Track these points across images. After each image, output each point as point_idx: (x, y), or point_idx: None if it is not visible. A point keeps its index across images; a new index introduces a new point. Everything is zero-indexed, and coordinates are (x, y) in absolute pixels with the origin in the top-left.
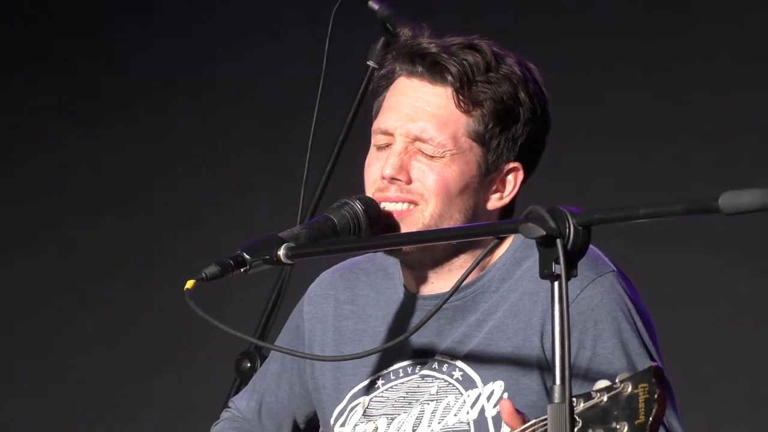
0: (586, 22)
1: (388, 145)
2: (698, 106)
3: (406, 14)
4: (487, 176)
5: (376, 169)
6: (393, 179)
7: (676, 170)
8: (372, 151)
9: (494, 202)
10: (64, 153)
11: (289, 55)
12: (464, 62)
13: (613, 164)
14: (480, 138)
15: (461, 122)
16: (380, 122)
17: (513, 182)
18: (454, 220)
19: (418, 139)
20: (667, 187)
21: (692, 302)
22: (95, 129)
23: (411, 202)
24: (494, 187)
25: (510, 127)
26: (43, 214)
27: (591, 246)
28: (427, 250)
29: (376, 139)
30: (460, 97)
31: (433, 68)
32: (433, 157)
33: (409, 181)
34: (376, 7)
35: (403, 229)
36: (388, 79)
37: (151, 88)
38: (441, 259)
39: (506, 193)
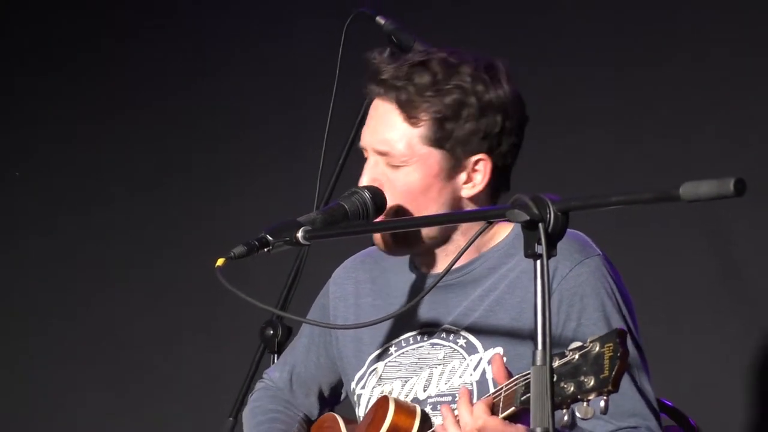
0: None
1: (367, 159)
2: (665, 107)
3: (407, 28)
4: (453, 171)
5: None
6: None
7: (644, 164)
8: None
9: (468, 190)
10: (92, 140)
11: (305, 59)
12: (408, 84)
13: (589, 158)
14: (434, 143)
15: (413, 133)
16: (362, 140)
17: (482, 171)
18: (431, 212)
19: (381, 153)
20: (636, 179)
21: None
22: (122, 116)
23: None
24: (465, 179)
25: (461, 128)
26: (76, 199)
27: (581, 233)
28: (402, 244)
29: (364, 154)
30: (404, 113)
31: (387, 90)
32: (397, 166)
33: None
34: (382, 22)
35: (393, 245)
36: (369, 98)
37: (173, 79)
38: (441, 241)
39: (478, 181)
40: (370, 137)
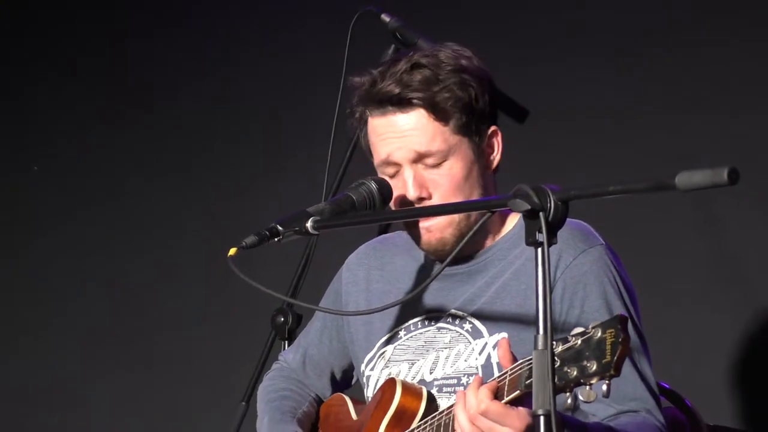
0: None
1: (396, 173)
2: (660, 98)
3: (411, 26)
4: (480, 149)
5: (401, 195)
6: (420, 199)
7: (641, 155)
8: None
9: (492, 164)
10: (111, 128)
11: (314, 56)
12: (420, 85)
13: (588, 149)
14: (462, 130)
15: (443, 128)
16: (382, 157)
17: (497, 142)
18: (476, 195)
19: (421, 155)
20: (633, 169)
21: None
22: (138, 111)
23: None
24: (487, 155)
25: (475, 107)
26: (94, 186)
27: (585, 223)
28: (458, 235)
29: (384, 170)
30: (433, 113)
31: (401, 103)
32: (439, 165)
33: (430, 196)
34: (387, 19)
35: (441, 236)
36: (362, 121)
37: (185, 75)
38: (464, 223)
39: (496, 151)
40: (401, 152)
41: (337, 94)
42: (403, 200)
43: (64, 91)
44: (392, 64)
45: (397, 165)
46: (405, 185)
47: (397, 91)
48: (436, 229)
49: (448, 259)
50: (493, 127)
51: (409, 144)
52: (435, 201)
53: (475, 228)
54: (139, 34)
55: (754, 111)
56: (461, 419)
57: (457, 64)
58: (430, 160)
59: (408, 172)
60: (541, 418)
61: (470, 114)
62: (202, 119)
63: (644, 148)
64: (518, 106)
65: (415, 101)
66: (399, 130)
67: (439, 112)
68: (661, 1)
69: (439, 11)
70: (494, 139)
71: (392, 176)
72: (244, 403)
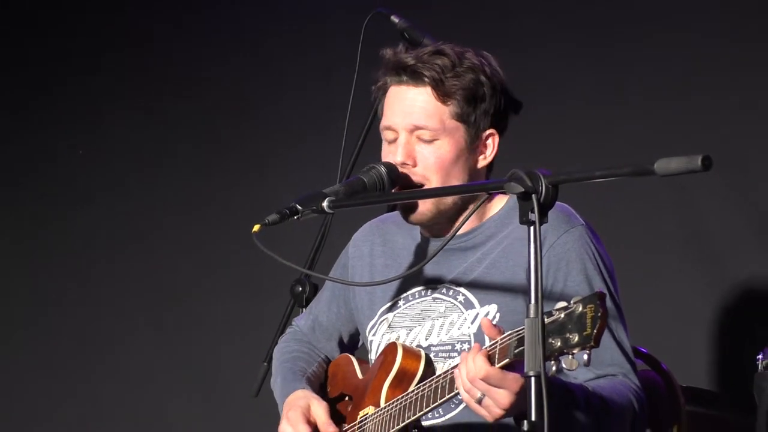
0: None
1: (395, 139)
2: (639, 90)
3: (418, 26)
4: (473, 144)
5: (390, 159)
6: (403, 164)
7: (622, 143)
8: (384, 146)
9: (481, 162)
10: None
11: (330, 53)
12: (435, 66)
13: (576, 136)
14: (461, 118)
15: (444, 110)
16: (385, 121)
17: (492, 144)
18: (459, 182)
19: (417, 128)
20: (616, 155)
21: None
22: (161, 93)
23: (419, 184)
24: (479, 151)
25: (480, 104)
26: (116, 167)
27: (566, 206)
28: (439, 215)
29: (385, 135)
30: (438, 92)
31: (413, 75)
32: (431, 141)
33: (415, 165)
34: (396, 20)
35: (420, 205)
36: (383, 89)
37: (207, 64)
38: (451, 215)
39: (488, 153)
40: (401, 118)
41: (351, 87)
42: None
43: (88, 71)
44: (423, 47)
45: (396, 132)
46: (395, 150)
47: (412, 62)
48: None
49: (447, 240)
50: (492, 130)
51: (409, 116)
52: (418, 172)
53: (474, 209)
54: (162, 19)
55: (727, 103)
56: (464, 381)
57: (478, 66)
58: (424, 134)
59: (401, 140)
60: (533, 379)
61: (472, 106)
62: (232, 107)
63: (626, 136)
64: (513, 98)
65: (425, 77)
66: (406, 103)
67: (442, 93)
68: None
69: (438, 9)
70: (490, 140)
71: (391, 141)
72: (265, 363)
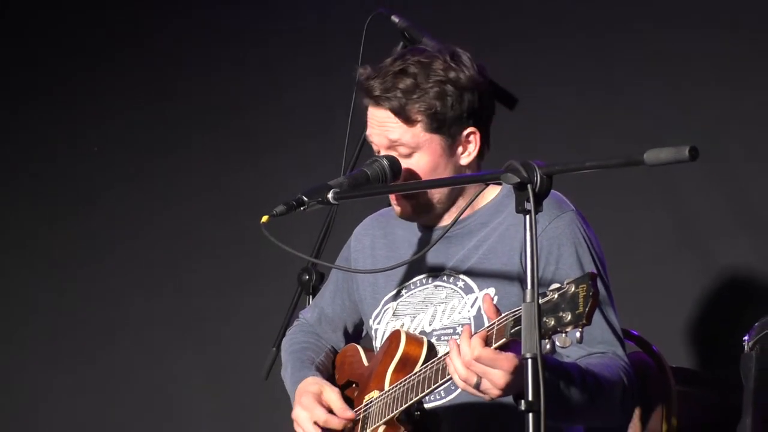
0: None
1: (378, 152)
2: (630, 82)
3: (417, 25)
4: (452, 147)
5: None
6: None
7: (614, 133)
8: None
9: (465, 159)
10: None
11: (334, 52)
12: (397, 92)
13: (568, 129)
14: (433, 129)
15: (413, 129)
16: (369, 137)
17: (474, 141)
18: (441, 187)
19: (393, 143)
20: (608, 147)
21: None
22: (167, 89)
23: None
24: (460, 150)
25: (449, 112)
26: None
27: (558, 193)
28: (426, 212)
29: (373, 149)
30: (401, 119)
31: (380, 102)
32: (409, 155)
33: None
34: (396, 20)
35: (413, 212)
36: (365, 102)
37: (214, 58)
38: (441, 210)
39: (472, 150)
40: (377, 138)
41: (354, 84)
42: None
43: (97, 62)
44: (391, 62)
45: (378, 146)
46: None
47: (376, 93)
48: (401, 202)
49: (447, 229)
50: (470, 129)
51: (384, 132)
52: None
53: (474, 197)
54: (168, 14)
55: (713, 96)
56: (457, 365)
57: (444, 76)
58: (401, 149)
59: (383, 154)
60: (529, 361)
61: (441, 120)
62: (237, 101)
63: (616, 129)
64: (508, 94)
65: (385, 104)
66: (378, 120)
67: (405, 118)
68: None
69: (438, 8)
70: (471, 137)
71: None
72: (274, 348)
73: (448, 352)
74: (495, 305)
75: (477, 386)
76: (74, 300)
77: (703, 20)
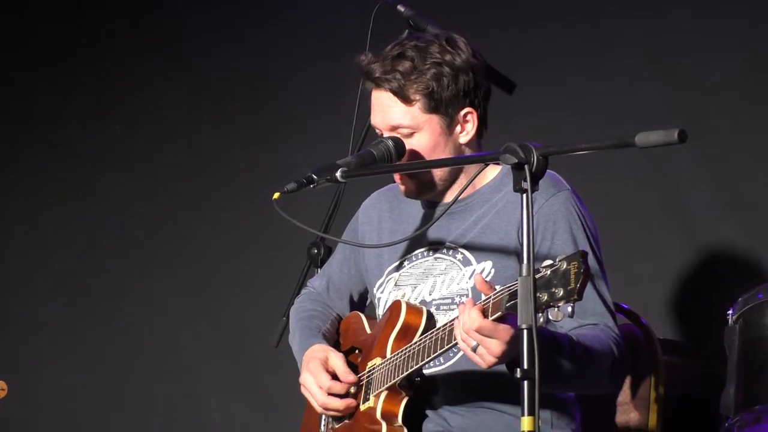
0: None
1: (382, 134)
2: (619, 66)
3: (422, 14)
4: (450, 127)
5: None
6: None
7: (605, 116)
8: None
9: (464, 138)
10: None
11: (344, 38)
12: (396, 74)
13: (564, 113)
14: (431, 109)
15: (412, 109)
16: (372, 120)
17: (471, 120)
18: (443, 167)
19: (394, 126)
20: (601, 129)
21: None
22: (182, 74)
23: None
24: (458, 129)
25: (446, 92)
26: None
27: (554, 173)
28: (426, 190)
29: (376, 131)
30: (400, 98)
31: (381, 83)
32: (410, 135)
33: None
34: (402, 9)
35: (417, 191)
36: (368, 89)
37: (225, 44)
38: (443, 188)
39: (470, 129)
40: (380, 121)
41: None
42: None
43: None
44: (391, 47)
45: (381, 129)
46: None
47: (376, 75)
48: (406, 181)
49: (448, 206)
50: (467, 109)
51: (385, 115)
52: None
53: (474, 176)
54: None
55: (700, 79)
56: (461, 332)
57: (440, 58)
58: (402, 131)
59: (386, 136)
60: (525, 331)
61: (438, 100)
62: (249, 87)
63: (608, 113)
64: (507, 80)
65: (385, 85)
66: (379, 103)
67: (403, 98)
68: None
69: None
70: (469, 116)
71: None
72: (284, 318)
73: (447, 323)
74: (486, 281)
75: (474, 349)
76: (92, 267)
77: (693, 5)
